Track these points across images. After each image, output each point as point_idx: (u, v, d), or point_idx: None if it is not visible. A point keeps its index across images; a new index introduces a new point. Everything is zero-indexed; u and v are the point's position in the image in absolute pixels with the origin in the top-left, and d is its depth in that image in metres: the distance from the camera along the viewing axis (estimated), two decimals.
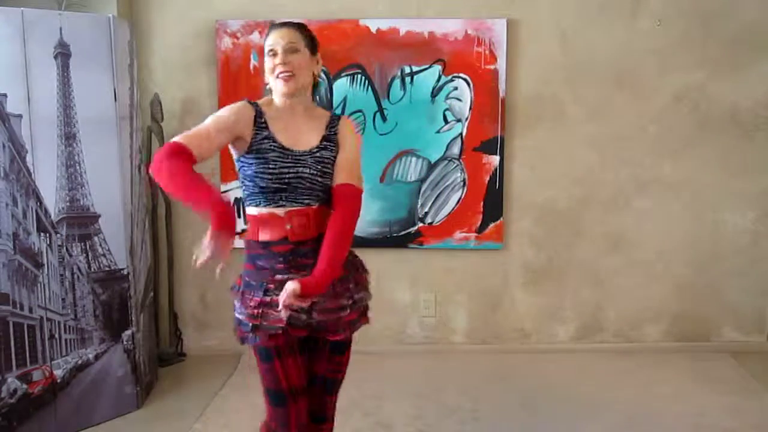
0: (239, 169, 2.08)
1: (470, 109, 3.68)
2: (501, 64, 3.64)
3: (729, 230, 3.81)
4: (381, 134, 3.72)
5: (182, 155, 1.89)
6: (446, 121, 3.70)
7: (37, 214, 2.84)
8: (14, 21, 2.73)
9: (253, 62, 3.68)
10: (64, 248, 2.94)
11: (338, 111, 3.71)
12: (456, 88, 3.67)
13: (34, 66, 2.78)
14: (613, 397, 3.24)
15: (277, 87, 2.05)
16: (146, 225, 3.52)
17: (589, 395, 3.27)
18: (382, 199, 3.76)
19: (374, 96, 3.70)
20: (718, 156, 3.75)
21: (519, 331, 3.89)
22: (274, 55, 2.01)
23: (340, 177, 2.03)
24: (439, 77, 3.66)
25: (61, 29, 2.84)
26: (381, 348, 3.90)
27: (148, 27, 3.71)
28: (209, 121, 2.00)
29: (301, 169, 1.98)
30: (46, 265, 2.88)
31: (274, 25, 2.06)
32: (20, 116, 2.76)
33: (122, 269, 3.12)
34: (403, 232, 3.80)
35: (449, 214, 3.78)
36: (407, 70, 3.67)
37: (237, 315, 2.03)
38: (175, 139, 1.94)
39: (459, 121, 3.70)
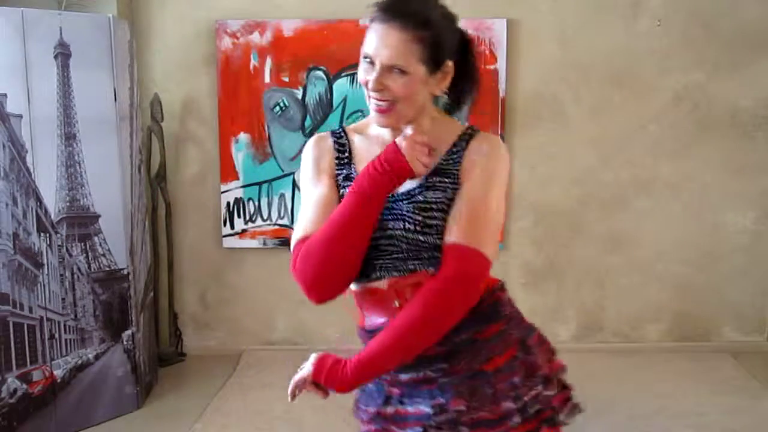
0: None
1: (470, 109, 3.67)
2: (501, 64, 3.64)
3: (729, 230, 3.81)
4: None
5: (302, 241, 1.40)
6: None
7: (37, 214, 2.84)
8: (14, 21, 2.73)
9: (253, 62, 3.68)
10: (64, 248, 2.94)
11: (338, 111, 3.71)
12: None
13: (34, 66, 2.78)
14: (613, 397, 3.23)
15: (371, 109, 1.44)
16: (146, 225, 3.51)
17: (589, 395, 3.25)
18: None
19: None
20: (718, 156, 3.75)
21: None
22: (371, 63, 1.39)
23: (451, 232, 1.30)
24: None
25: (61, 29, 2.84)
26: None
27: (148, 27, 3.71)
28: (308, 192, 1.45)
29: (392, 223, 1.33)
30: (46, 265, 2.88)
31: (381, 10, 1.40)
32: (20, 116, 2.76)
33: (122, 269, 3.11)
34: None
35: None
36: None
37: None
38: (294, 240, 1.45)
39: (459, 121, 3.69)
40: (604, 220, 3.81)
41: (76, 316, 2.99)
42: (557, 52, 3.67)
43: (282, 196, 3.78)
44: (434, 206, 1.32)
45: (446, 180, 1.34)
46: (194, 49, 3.72)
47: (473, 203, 1.31)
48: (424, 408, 1.34)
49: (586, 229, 3.81)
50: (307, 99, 3.70)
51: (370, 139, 1.46)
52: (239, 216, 3.81)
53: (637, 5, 3.65)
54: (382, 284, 1.35)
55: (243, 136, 3.73)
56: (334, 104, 3.70)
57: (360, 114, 3.70)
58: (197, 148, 3.80)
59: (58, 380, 2.93)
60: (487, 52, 3.63)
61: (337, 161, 1.43)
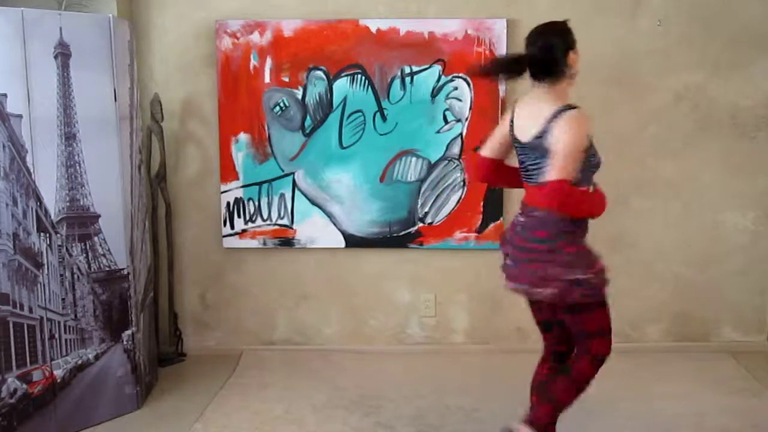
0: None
1: (470, 109, 3.68)
2: None
3: (729, 230, 3.81)
4: (381, 134, 3.72)
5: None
6: (446, 121, 3.70)
7: (37, 214, 2.84)
8: (14, 21, 2.73)
9: (253, 62, 3.68)
10: (64, 248, 2.94)
11: (338, 111, 3.71)
12: (456, 88, 3.67)
13: (34, 66, 2.78)
14: (613, 397, 3.23)
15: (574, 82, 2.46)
16: (146, 225, 3.52)
17: (589, 395, 3.26)
18: (382, 199, 3.77)
19: (374, 96, 3.70)
20: (718, 156, 3.75)
21: (519, 331, 3.89)
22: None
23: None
24: (439, 77, 3.66)
25: (61, 29, 2.84)
26: (381, 348, 3.90)
27: (148, 27, 3.71)
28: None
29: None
30: (46, 265, 2.88)
31: None
32: (20, 116, 2.76)
33: (122, 269, 3.12)
34: (403, 232, 3.80)
35: (449, 214, 3.78)
36: (407, 70, 3.67)
37: (583, 276, 2.37)
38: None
39: (459, 121, 3.70)
40: (604, 219, 3.79)
41: (76, 316, 2.99)
42: None
43: (282, 196, 3.78)
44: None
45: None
46: (194, 49, 3.73)
47: None
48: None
49: None
50: (307, 99, 3.70)
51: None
52: (239, 216, 3.81)
53: (637, 5, 3.65)
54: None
55: (243, 136, 3.74)
56: (334, 104, 3.70)
57: (360, 114, 3.70)
58: (197, 148, 3.80)
59: (58, 380, 2.93)
60: (487, 52, 3.63)
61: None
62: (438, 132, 3.71)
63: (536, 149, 2.39)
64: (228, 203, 3.79)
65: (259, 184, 3.78)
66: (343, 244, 3.81)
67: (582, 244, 2.45)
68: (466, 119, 3.69)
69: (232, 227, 3.82)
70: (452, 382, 3.48)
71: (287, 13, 3.67)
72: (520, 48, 3.63)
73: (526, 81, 3.82)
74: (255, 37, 3.66)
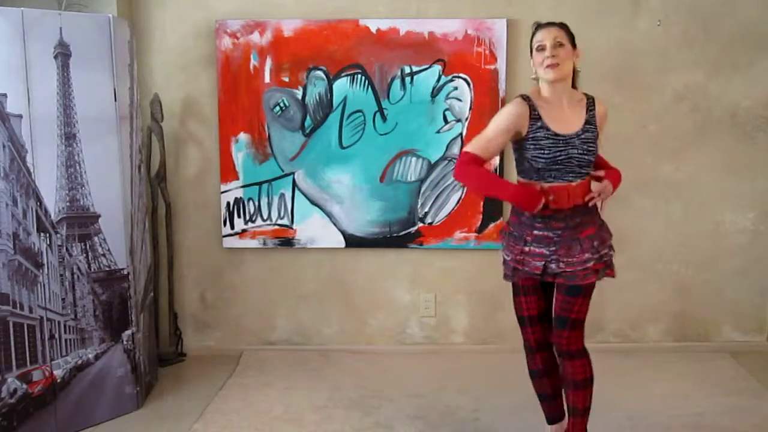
0: (515, 150, 2.50)
1: (470, 109, 3.68)
2: (501, 64, 3.64)
3: (729, 230, 3.81)
4: (381, 134, 3.72)
5: (474, 162, 2.40)
6: (446, 121, 3.70)
7: (37, 214, 2.84)
8: (14, 21, 2.73)
9: (253, 62, 3.68)
10: (64, 248, 2.94)
11: (338, 111, 3.71)
12: (456, 88, 3.67)
13: (34, 66, 2.78)
14: (613, 397, 3.24)
15: (545, 76, 2.40)
16: (146, 225, 3.52)
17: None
18: (382, 199, 3.77)
19: (374, 96, 3.70)
20: (718, 156, 3.75)
21: (519, 331, 3.88)
22: (543, 49, 2.39)
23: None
24: (439, 77, 3.66)
25: (61, 29, 2.84)
26: (381, 348, 3.90)
27: (148, 27, 3.71)
28: (490, 126, 2.43)
29: (570, 150, 2.40)
30: (46, 265, 2.88)
31: (541, 25, 2.47)
32: (20, 116, 2.76)
33: (122, 269, 3.12)
34: (403, 232, 3.80)
35: (449, 214, 3.78)
36: (407, 70, 3.67)
37: (504, 255, 2.62)
38: (466, 148, 2.43)
39: (459, 121, 3.70)
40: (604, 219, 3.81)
41: (76, 316, 2.99)
42: None
43: (282, 196, 3.78)
44: (590, 141, 2.43)
45: (592, 126, 2.45)
46: (194, 49, 3.73)
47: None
48: (544, 250, 2.47)
49: None
50: (307, 99, 3.70)
51: (545, 100, 2.44)
52: (239, 216, 3.81)
53: (637, 5, 3.65)
54: (546, 185, 2.42)
55: (243, 136, 3.74)
56: (334, 104, 3.70)
57: (360, 114, 3.70)
58: (197, 148, 3.80)
59: (58, 380, 2.93)
60: (487, 52, 3.63)
61: (531, 119, 2.41)
62: (438, 132, 3.71)
63: None
64: (228, 203, 3.79)
65: (259, 184, 3.78)
66: (343, 244, 3.81)
67: (512, 225, 2.59)
68: (466, 119, 3.69)
69: (232, 227, 3.82)
70: (452, 382, 3.48)
71: (287, 13, 3.67)
72: (520, 48, 3.69)
73: (527, 81, 3.81)
74: (255, 37, 3.66)
